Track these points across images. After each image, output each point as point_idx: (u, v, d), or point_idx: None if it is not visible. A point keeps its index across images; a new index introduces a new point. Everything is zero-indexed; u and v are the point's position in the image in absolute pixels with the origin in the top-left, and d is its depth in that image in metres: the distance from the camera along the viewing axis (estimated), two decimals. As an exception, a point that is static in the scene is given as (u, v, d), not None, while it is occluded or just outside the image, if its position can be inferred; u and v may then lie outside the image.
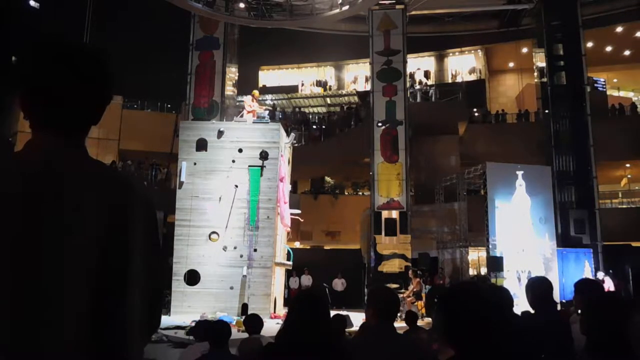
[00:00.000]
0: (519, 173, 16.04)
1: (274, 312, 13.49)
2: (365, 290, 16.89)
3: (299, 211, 15.55)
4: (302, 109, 30.73)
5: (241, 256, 13.31)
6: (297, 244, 22.00)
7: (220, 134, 13.98)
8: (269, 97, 30.80)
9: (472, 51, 30.47)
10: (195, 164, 13.93)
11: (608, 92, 25.74)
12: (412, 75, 27.26)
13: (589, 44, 23.62)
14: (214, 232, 13.53)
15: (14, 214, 1.12)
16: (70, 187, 1.18)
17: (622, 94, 27.34)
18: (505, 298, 3.52)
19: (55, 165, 1.20)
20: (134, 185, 1.32)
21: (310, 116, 29.57)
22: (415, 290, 14.00)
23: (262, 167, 13.67)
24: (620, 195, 25.09)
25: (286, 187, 14.68)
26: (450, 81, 30.04)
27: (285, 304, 14.43)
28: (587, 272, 15.81)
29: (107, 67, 1.27)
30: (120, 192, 1.26)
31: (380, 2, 19.37)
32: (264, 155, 13.67)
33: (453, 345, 1.68)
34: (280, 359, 2.27)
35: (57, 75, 1.21)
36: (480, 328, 1.65)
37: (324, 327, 2.32)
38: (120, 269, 1.19)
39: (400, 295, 13.76)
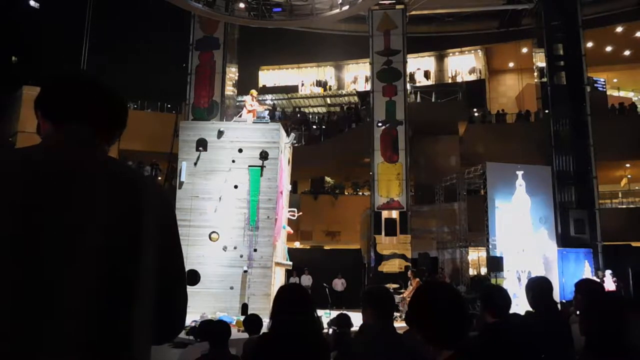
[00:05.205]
0: (519, 173, 16.02)
1: (274, 312, 13.43)
2: (366, 290, 16.86)
3: (293, 213, 15.27)
4: (302, 109, 30.74)
5: (241, 256, 13.31)
6: (297, 244, 21.99)
7: (220, 134, 13.97)
8: (269, 97, 30.80)
9: (472, 51, 30.46)
10: (195, 164, 13.93)
11: (608, 92, 25.71)
12: (412, 76, 27.27)
13: (589, 44, 23.60)
14: (214, 232, 13.54)
15: (29, 207, 1.12)
16: (87, 185, 1.19)
17: (622, 94, 27.31)
18: (503, 297, 3.50)
19: (71, 161, 1.22)
20: (152, 184, 1.33)
21: (310, 116, 29.57)
22: (415, 290, 13.99)
23: (262, 167, 13.66)
24: (620, 195, 25.06)
25: (285, 201, 14.51)
26: (450, 81, 30.04)
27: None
28: (587, 272, 15.80)
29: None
30: (138, 191, 1.27)
31: (380, 2, 19.38)
32: (264, 155, 13.66)
33: (437, 345, 1.68)
34: (276, 348, 2.32)
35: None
36: (448, 324, 1.67)
37: (313, 318, 2.45)
38: (133, 270, 1.19)
39: (400, 296, 13.76)
